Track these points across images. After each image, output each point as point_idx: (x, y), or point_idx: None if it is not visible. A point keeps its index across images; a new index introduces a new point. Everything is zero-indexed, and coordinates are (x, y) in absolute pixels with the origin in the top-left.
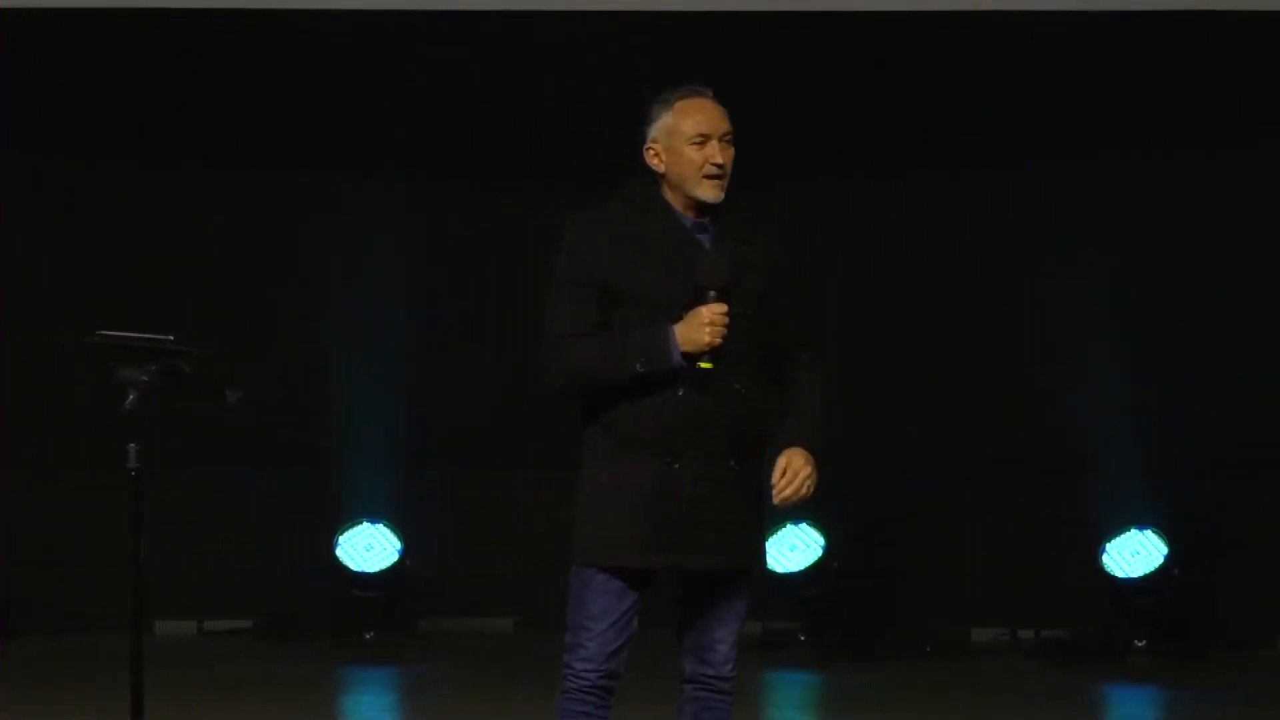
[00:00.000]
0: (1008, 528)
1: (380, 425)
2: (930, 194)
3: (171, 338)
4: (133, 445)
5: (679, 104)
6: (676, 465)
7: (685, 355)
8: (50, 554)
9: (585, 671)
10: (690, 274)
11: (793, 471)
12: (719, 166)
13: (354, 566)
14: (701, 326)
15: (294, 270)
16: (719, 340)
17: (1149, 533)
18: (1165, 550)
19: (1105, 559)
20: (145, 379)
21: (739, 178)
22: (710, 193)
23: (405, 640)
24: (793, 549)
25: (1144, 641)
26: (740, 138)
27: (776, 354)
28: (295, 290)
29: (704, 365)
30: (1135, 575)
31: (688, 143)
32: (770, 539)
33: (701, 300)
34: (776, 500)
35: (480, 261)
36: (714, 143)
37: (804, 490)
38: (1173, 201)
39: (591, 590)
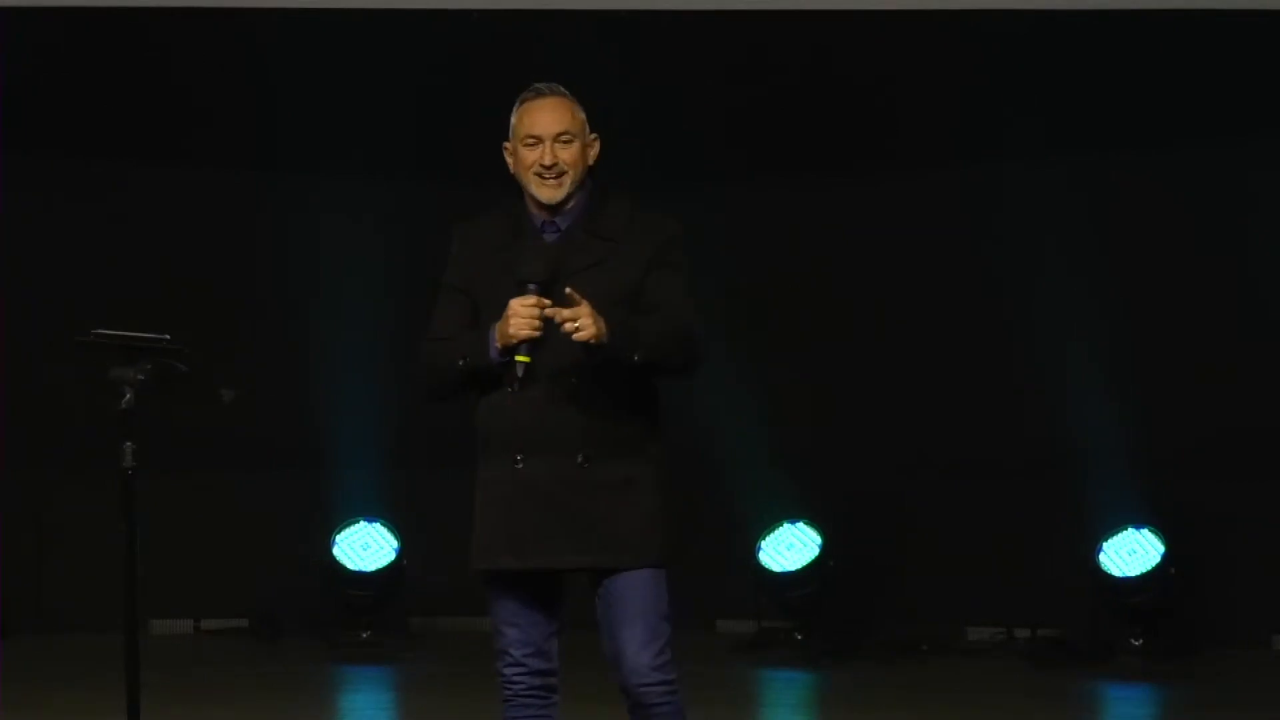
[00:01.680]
0: (1004, 526)
1: (377, 423)
2: (928, 194)
3: (167, 337)
4: (128, 444)
5: (521, 105)
6: (521, 463)
7: (505, 349)
8: (47, 553)
9: (516, 676)
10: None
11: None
12: (546, 168)
13: (351, 565)
14: (508, 319)
15: (291, 269)
16: (528, 332)
17: (1146, 532)
18: (1162, 549)
19: (1102, 558)
20: (140, 378)
21: (739, 176)
22: (544, 193)
23: (402, 639)
24: (789, 548)
25: (1140, 640)
26: (738, 137)
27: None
28: (292, 288)
29: (520, 359)
30: (1132, 574)
31: (523, 144)
32: (766, 538)
33: (522, 294)
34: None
35: None
36: (546, 144)
37: (580, 325)
38: (1171, 201)
39: (497, 595)
